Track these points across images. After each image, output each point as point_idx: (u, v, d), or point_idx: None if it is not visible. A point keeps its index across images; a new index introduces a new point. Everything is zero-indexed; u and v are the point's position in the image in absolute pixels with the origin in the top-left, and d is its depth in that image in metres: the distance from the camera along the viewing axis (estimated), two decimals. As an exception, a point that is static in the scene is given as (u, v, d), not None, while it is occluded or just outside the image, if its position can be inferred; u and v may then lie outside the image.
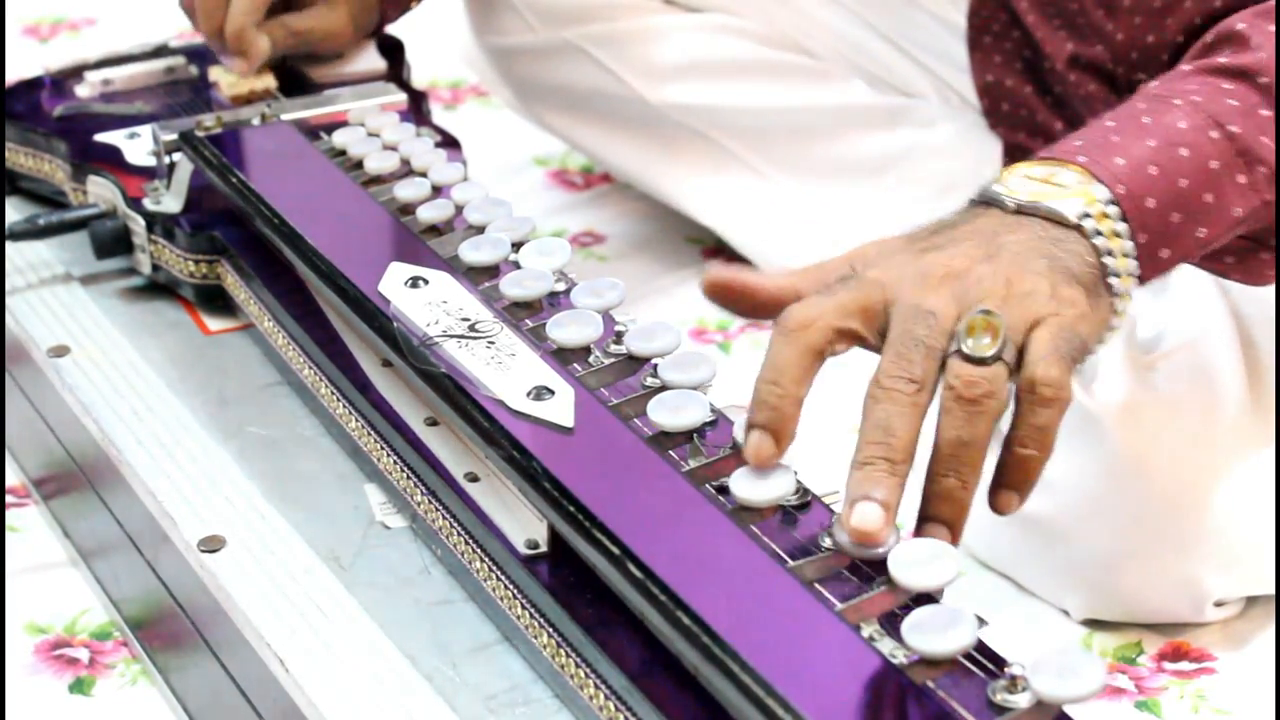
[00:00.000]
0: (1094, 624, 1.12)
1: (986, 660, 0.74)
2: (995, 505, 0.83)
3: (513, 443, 0.87)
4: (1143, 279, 0.88)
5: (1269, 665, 1.08)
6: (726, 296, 0.88)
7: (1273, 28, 0.93)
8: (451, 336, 0.95)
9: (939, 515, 0.81)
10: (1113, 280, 0.86)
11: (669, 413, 0.87)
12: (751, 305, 0.88)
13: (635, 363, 0.93)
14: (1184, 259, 0.90)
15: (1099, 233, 0.86)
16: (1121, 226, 0.87)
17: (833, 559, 0.80)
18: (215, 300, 1.18)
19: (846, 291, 0.84)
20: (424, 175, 1.13)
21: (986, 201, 0.88)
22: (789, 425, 0.82)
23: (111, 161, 1.26)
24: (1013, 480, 0.83)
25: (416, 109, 1.30)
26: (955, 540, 0.81)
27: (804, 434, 0.85)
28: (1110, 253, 0.86)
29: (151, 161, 1.23)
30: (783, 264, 1.37)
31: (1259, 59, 0.91)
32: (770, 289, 0.88)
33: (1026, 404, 0.82)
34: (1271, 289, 1.10)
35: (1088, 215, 0.86)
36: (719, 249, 1.52)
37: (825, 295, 0.84)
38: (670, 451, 0.86)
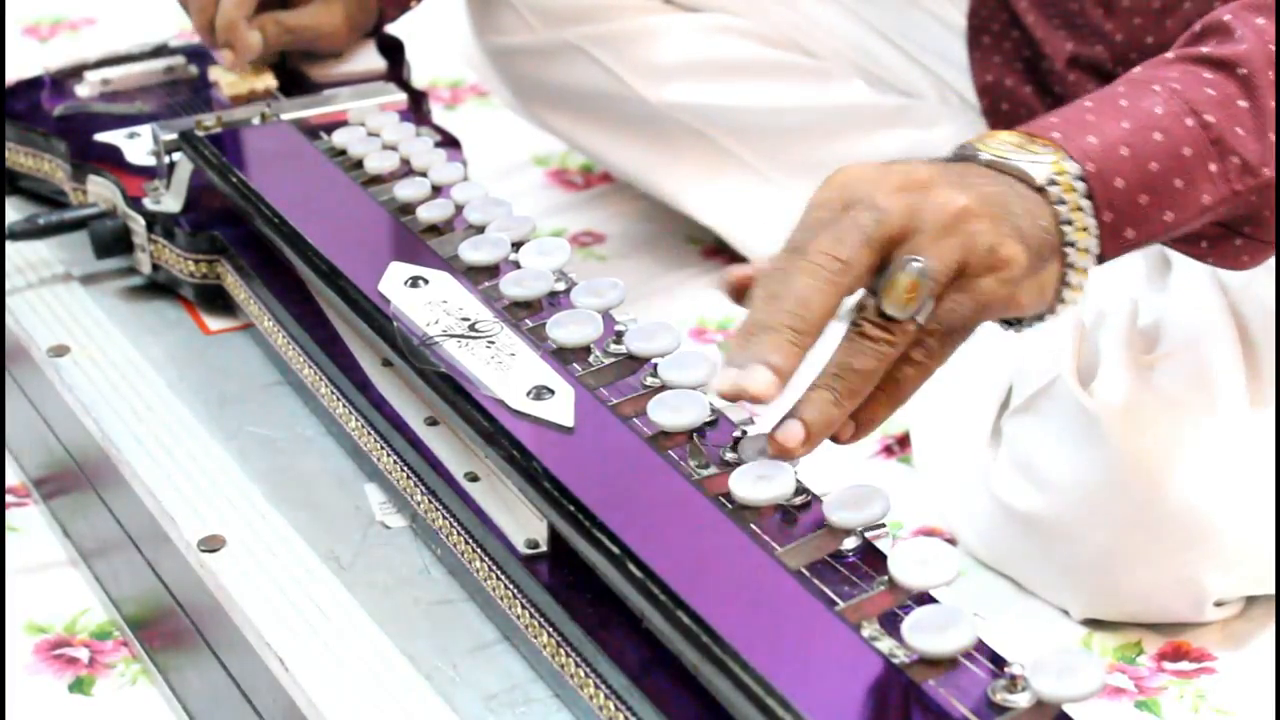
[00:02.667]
0: (1094, 624, 1.12)
1: (986, 660, 0.74)
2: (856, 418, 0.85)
3: (513, 442, 0.87)
4: (1103, 257, 0.90)
5: (1269, 665, 1.08)
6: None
7: (1260, 20, 0.93)
8: (451, 336, 0.95)
9: (800, 413, 0.82)
10: (1068, 250, 0.88)
11: (669, 413, 0.87)
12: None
13: (635, 362, 0.93)
14: (1149, 240, 0.91)
15: (1062, 201, 0.87)
16: (1086, 203, 0.88)
17: (832, 555, 0.80)
18: (215, 300, 1.18)
19: (827, 232, 0.84)
20: (424, 175, 1.13)
21: (962, 157, 0.90)
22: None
23: (111, 161, 1.26)
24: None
25: (416, 109, 1.30)
26: (808, 447, 0.82)
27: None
28: (1070, 223, 0.87)
29: (151, 161, 1.23)
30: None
31: (1240, 51, 0.93)
32: None
33: (910, 355, 0.84)
34: (1271, 288, 1.10)
35: (1054, 183, 0.87)
36: (719, 249, 1.52)
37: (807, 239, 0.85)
38: (670, 451, 0.86)
